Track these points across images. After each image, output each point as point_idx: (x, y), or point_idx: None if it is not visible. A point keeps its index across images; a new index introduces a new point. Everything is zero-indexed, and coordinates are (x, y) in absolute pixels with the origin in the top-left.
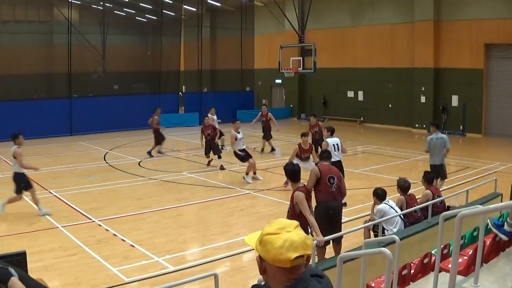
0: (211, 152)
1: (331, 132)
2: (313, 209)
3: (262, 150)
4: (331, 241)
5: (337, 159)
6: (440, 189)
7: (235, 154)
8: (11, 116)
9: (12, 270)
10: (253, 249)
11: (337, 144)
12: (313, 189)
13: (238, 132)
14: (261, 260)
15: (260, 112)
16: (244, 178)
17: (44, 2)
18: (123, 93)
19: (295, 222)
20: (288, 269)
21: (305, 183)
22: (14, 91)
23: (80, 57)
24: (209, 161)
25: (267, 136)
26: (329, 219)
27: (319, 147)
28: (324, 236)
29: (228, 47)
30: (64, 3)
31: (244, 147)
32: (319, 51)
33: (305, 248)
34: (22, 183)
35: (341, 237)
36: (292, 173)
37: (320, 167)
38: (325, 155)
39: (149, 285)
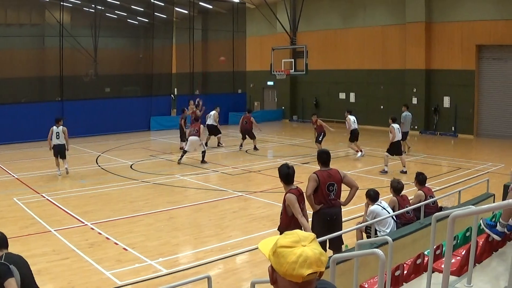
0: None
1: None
2: (307, 211)
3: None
4: (328, 248)
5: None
6: (433, 190)
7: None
8: (1, 119)
9: (14, 269)
10: (246, 252)
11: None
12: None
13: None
14: (272, 271)
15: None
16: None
17: (36, 5)
18: (115, 96)
19: (311, 235)
20: (300, 283)
21: (298, 186)
22: (5, 95)
23: (71, 60)
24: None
25: (251, 136)
26: (327, 226)
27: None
28: (323, 244)
29: (220, 49)
30: (56, 5)
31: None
32: (310, 53)
33: (319, 265)
34: None
35: (341, 244)
36: (286, 175)
37: (319, 174)
38: (323, 157)
39: None
